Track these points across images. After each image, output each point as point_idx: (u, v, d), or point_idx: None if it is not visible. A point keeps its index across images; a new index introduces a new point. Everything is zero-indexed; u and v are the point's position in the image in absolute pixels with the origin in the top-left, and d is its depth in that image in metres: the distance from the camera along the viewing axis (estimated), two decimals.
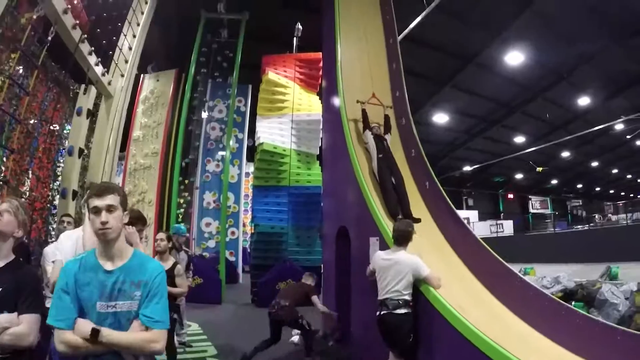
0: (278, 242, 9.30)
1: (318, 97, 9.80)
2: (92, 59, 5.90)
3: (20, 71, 4.18)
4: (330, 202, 7.09)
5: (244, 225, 13.66)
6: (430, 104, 18.39)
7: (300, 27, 10.42)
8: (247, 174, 14.37)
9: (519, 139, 23.66)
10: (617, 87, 17.15)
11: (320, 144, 9.30)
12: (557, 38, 13.47)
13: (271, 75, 9.60)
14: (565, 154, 26.38)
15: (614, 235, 15.56)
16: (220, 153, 11.86)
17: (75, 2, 4.95)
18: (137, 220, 2.53)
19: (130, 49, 7.34)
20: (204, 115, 12.20)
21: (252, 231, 17.05)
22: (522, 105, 18.96)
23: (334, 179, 6.97)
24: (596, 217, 27.02)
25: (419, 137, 6.57)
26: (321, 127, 8.99)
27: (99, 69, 6.18)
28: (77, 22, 5.08)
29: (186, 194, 11.02)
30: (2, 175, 3.84)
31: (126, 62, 7.28)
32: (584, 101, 18.56)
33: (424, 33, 11.89)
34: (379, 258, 3.76)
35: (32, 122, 4.52)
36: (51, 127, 5.01)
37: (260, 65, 10.14)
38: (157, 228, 9.18)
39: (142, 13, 7.49)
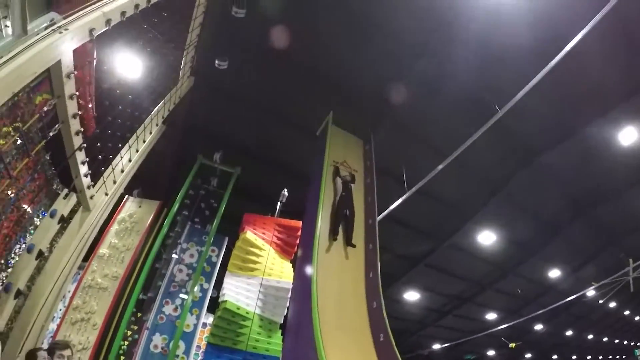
0: None
1: (291, 265, 9.77)
2: (83, 169, 5.96)
3: (13, 151, 4.14)
4: None
5: None
6: (402, 281, 18.41)
7: (286, 193, 10.94)
8: (205, 325, 13.23)
9: (491, 316, 23.58)
10: (586, 256, 18.18)
11: (284, 313, 8.97)
12: (527, 218, 14.98)
13: (249, 234, 9.69)
14: (539, 327, 25.94)
15: None
16: (182, 296, 11.12)
17: (89, 107, 5.22)
18: None
19: (122, 171, 7.51)
20: (174, 256, 11.82)
21: None
22: (494, 282, 19.40)
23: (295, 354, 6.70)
24: None
25: (388, 313, 6.51)
26: (289, 295, 8.88)
27: (86, 180, 6.20)
28: (82, 129, 5.29)
29: (135, 327, 9.90)
30: None
31: (114, 182, 7.35)
32: (554, 273, 19.43)
33: (403, 213, 12.66)
34: None
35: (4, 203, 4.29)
36: (21, 218, 4.73)
37: (239, 219, 10.31)
38: (94, 355, 8.02)
39: (144, 141, 7.89)
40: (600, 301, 20.94)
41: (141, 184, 10.43)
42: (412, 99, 10.31)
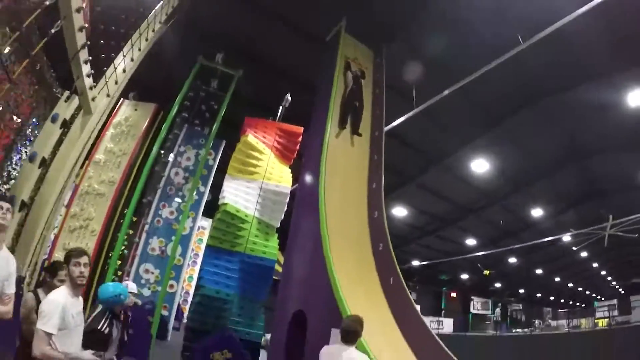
0: (221, 308, 8.47)
1: (290, 171, 9.67)
2: (86, 69, 5.47)
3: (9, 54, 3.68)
4: (290, 281, 6.89)
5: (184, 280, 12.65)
6: (392, 197, 18.75)
7: (289, 98, 10.48)
8: (199, 228, 13.58)
9: (471, 241, 24.89)
10: (570, 202, 18.95)
11: (281, 217, 9.05)
12: (522, 154, 15.17)
13: (250, 138, 9.39)
14: (513, 260, 27.74)
15: (557, 342, 16.25)
16: (177, 200, 11.16)
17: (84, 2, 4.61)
18: None
19: (124, 71, 6.99)
20: (170, 159, 11.61)
21: (189, 287, 15.62)
22: (479, 210, 20.14)
23: (298, 258, 6.85)
24: (536, 322, 27.89)
25: None
26: (287, 200, 8.97)
27: (88, 81, 5.73)
28: (86, 25, 4.74)
29: (131, 232, 10.03)
30: None
31: (116, 83, 6.88)
32: (537, 212, 20.25)
33: (404, 131, 12.48)
34: (326, 355, 3.44)
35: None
36: (21, 125, 4.39)
37: (239, 123, 9.98)
38: (94, 260, 8.19)
39: (147, 40, 7.25)
40: (574, 248, 22.29)
41: (137, 87, 9.85)
42: (431, 20, 9.76)
